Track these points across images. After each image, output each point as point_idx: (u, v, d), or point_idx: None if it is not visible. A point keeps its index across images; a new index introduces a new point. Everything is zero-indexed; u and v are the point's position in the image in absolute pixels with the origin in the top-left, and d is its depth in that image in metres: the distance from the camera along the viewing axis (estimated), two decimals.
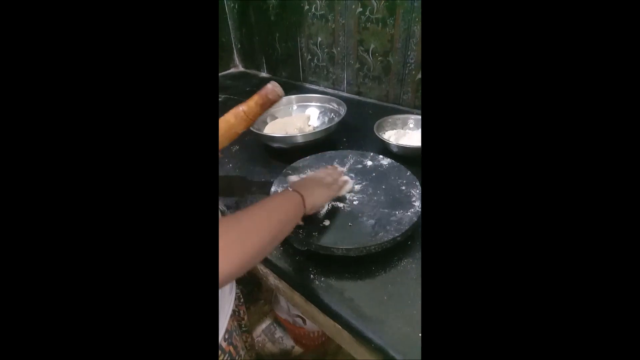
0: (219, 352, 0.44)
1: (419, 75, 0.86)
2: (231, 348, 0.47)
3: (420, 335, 0.38)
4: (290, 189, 0.46)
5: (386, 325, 0.40)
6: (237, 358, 0.49)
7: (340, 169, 0.59)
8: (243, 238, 0.33)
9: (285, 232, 0.41)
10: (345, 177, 0.57)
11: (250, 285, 1.28)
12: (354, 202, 0.54)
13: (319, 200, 0.49)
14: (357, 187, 0.57)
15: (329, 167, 0.59)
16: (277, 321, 1.18)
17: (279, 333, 1.18)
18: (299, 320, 0.94)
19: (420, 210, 0.50)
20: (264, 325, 1.21)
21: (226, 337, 0.46)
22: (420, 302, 0.41)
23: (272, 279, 0.55)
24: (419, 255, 0.48)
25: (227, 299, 0.47)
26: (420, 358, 0.36)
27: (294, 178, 0.61)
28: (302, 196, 0.45)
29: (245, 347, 0.58)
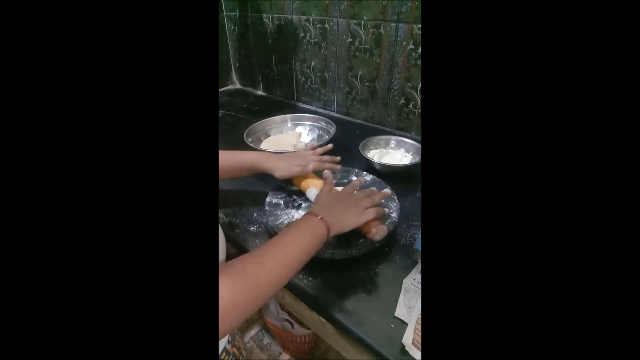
0: (224, 354, 0.47)
1: (402, 100, 0.95)
2: (235, 350, 0.50)
3: (392, 326, 0.45)
4: (317, 215, 0.43)
5: (364, 318, 0.46)
6: (240, 358, 0.51)
7: (385, 191, 0.57)
8: (257, 290, 0.33)
9: (305, 263, 0.40)
10: (382, 209, 0.52)
11: None
12: None
13: (345, 228, 0.47)
14: None
15: (372, 189, 0.56)
16: (266, 327, 1.22)
17: (267, 339, 1.22)
18: (287, 325, 0.99)
19: (396, 221, 0.57)
20: (252, 332, 1.25)
21: (229, 339, 0.49)
22: (393, 299, 0.48)
23: None
24: (394, 260, 0.55)
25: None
26: (389, 345, 0.43)
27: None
28: (327, 225, 0.43)
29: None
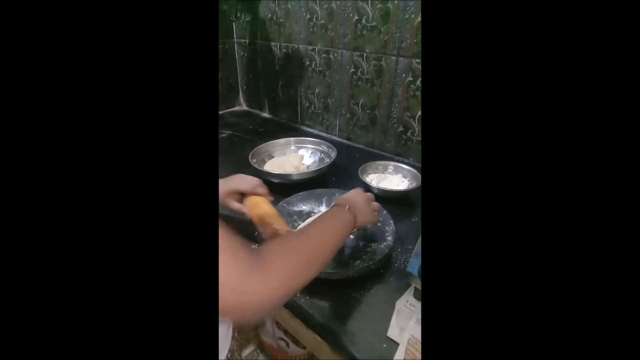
0: None
1: (401, 128, 1.00)
2: None
3: (384, 346, 0.47)
4: (345, 206, 0.49)
5: (357, 337, 0.49)
6: None
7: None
8: (299, 263, 0.35)
9: (337, 248, 0.44)
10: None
11: None
12: None
13: (365, 221, 0.53)
14: None
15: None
16: (261, 347, 1.21)
17: (261, 358, 1.21)
18: (283, 344, 0.99)
19: (392, 244, 0.60)
20: (247, 352, 1.24)
21: (229, 356, 0.51)
22: (386, 320, 0.50)
23: None
24: (389, 281, 0.58)
25: (225, 320, 0.50)
26: None
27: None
28: (354, 215, 0.49)
29: None
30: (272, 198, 0.67)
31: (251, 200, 0.65)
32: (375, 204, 0.58)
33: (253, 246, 0.40)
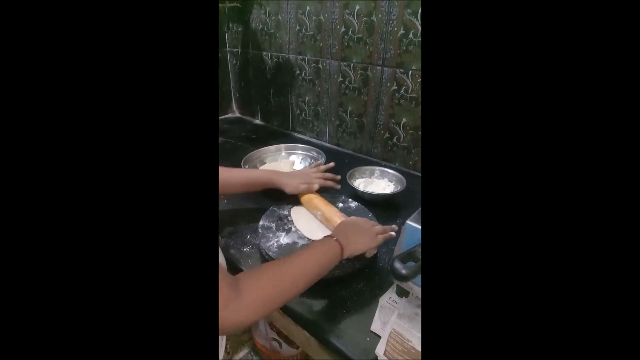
0: None
1: (387, 134, 1.04)
2: None
3: (367, 339, 0.51)
4: (333, 236, 0.52)
5: (343, 332, 0.52)
6: None
7: (393, 226, 0.63)
8: (279, 292, 0.40)
9: (320, 277, 0.48)
10: (393, 226, 0.63)
11: None
12: None
13: (358, 250, 0.55)
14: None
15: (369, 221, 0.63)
16: (255, 349, 1.24)
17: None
18: (276, 345, 1.02)
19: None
20: (241, 354, 1.26)
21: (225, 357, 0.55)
22: (369, 315, 0.54)
23: None
24: (373, 280, 0.61)
25: None
26: (364, 356, 0.48)
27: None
28: (341, 246, 0.51)
29: None
30: (339, 177, 0.82)
31: (305, 200, 0.75)
32: (378, 228, 0.60)
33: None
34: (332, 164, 0.85)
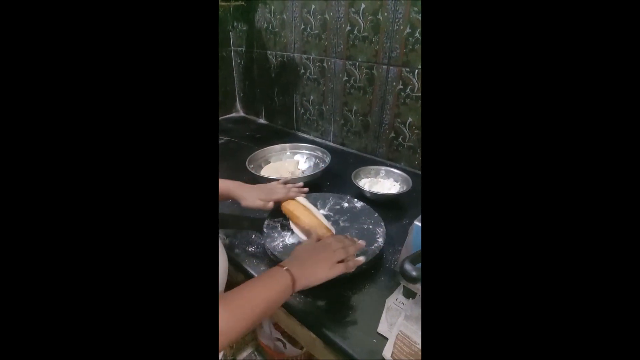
0: None
1: (392, 134, 1.04)
2: None
3: (374, 341, 0.50)
4: (283, 266, 0.45)
5: (349, 333, 0.52)
6: None
7: (360, 243, 0.55)
8: (226, 329, 0.35)
9: (268, 315, 0.43)
10: (359, 259, 0.53)
11: None
12: None
13: (313, 282, 0.47)
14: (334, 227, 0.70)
15: (348, 238, 0.55)
16: (259, 349, 1.24)
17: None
18: (280, 345, 1.01)
19: (382, 245, 0.63)
20: (245, 354, 1.26)
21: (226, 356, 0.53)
22: (376, 317, 0.53)
23: None
24: (379, 281, 0.61)
25: None
26: (371, 357, 0.48)
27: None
28: (293, 278, 0.44)
29: None
30: (306, 189, 0.74)
31: (287, 210, 0.69)
32: (339, 253, 0.50)
33: None
34: (300, 183, 0.76)
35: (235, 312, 0.38)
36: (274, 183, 0.75)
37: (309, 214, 0.66)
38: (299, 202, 0.70)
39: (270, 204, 0.68)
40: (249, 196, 0.69)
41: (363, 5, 0.95)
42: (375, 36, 0.95)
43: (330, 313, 0.55)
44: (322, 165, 0.97)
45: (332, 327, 0.53)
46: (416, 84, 0.92)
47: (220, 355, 0.52)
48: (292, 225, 0.69)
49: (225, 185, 0.71)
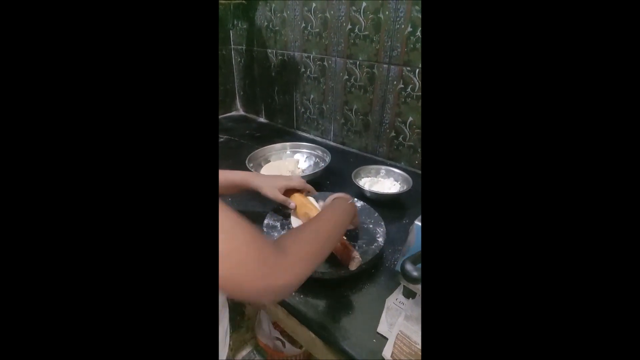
0: None
1: (393, 133, 1.03)
2: None
3: (374, 341, 0.50)
4: (348, 198, 0.58)
5: (349, 333, 0.51)
6: None
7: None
8: (314, 252, 0.41)
9: (339, 240, 0.54)
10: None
11: (233, 314, 1.34)
12: None
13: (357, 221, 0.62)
14: None
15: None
16: (258, 348, 1.24)
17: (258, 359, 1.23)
18: (279, 344, 1.01)
19: (382, 245, 0.63)
20: (244, 353, 1.26)
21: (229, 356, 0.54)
22: (376, 316, 0.53)
23: None
24: (380, 281, 0.61)
25: (224, 323, 0.52)
26: (371, 357, 0.48)
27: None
28: (355, 208, 0.57)
29: None
30: (315, 192, 0.76)
31: (297, 198, 0.70)
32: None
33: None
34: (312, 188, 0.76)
35: (327, 230, 0.46)
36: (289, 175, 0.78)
37: (317, 211, 0.67)
38: (308, 199, 0.71)
39: (293, 204, 0.69)
40: (267, 185, 0.70)
41: (364, 4, 0.94)
42: (376, 35, 0.95)
43: (330, 313, 0.55)
44: (322, 165, 0.96)
45: (332, 326, 0.52)
46: (417, 83, 0.92)
47: (225, 354, 0.52)
48: (293, 220, 0.68)
49: (241, 177, 0.72)
